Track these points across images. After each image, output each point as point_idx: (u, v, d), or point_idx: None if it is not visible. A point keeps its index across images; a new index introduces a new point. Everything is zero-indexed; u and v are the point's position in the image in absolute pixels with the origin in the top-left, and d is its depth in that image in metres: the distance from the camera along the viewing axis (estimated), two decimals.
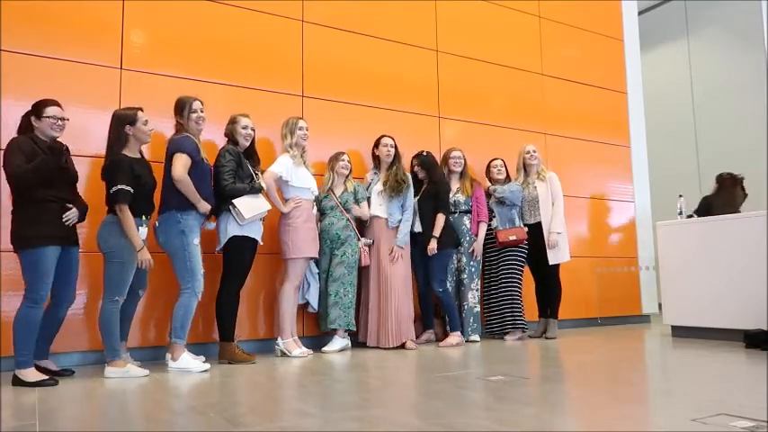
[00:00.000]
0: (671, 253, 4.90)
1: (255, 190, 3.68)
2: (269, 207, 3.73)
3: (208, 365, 3.37)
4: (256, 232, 3.71)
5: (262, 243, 3.81)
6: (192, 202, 3.39)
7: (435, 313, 4.72)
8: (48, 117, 3.03)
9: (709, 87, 8.59)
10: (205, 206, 3.43)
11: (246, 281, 3.82)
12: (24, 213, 2.95)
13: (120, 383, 2.97)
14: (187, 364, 3.32)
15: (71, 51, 3.72)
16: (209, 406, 2.40)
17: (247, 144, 3.82)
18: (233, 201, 3.57)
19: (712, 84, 8.56)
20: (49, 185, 2.99)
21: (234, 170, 3.64)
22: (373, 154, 4.62)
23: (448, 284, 4.58)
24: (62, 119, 3.07)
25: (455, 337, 4.40)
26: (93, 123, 3.67)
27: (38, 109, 3.04)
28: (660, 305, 5.50)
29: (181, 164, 3.36)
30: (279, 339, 3.92)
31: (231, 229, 3.62)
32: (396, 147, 4.51)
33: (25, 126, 3.07)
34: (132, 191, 3.11)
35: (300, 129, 4.05)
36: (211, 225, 3.68)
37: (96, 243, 3.22)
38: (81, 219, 3.18)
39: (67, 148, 3.20)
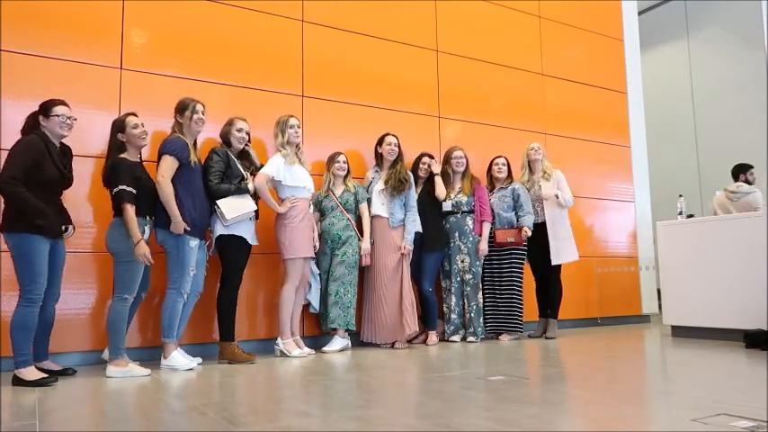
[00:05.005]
0: (671, 253, 4.90)
1: (242, 191, 3.66)
2: (254, 207, 3.70)
3: (194, 364, 3.41)
4: (245, 231, 3.69)
5: (256, 243, 3.79)
6: (170, 214, 3.35)
7: (439, 314, 4.73)
8: (56, 116, 3.06)
9: (710, 87, 8.59)
10: (179, 226, 3.36)
11: (245, 281, 3.82)
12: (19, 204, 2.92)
13: (121, 383, 2.97)
14: (175, 362, 3.35)
15: (71, 51, 3.72)
16: (209, 406, 2.40)
17: (240, 147, 3.81)
18: (217, 201, 3.58)
19: (712, 84, 8.56)
20: (45, 188, 3.01)
21: (221, 171, 3.64)
22: (376, 152, 4.62)
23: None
24: (70, 118, 3.11)
25: (434, 336, 4.51)
26: (93, 123, 3.67)
27: (46, 108, 3.06)
28: (660, 305, 5.50)
29: (165, 167, 3.36)
30: (279, 340, 3.92)
31: (217, 229, 3.64)
32: (399, 146, 4.51)
33: (31, 126, 3.07)
34: (135, 192, 3.17)
35: (291, 127, 4.01)
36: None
37: (105, 244, 3.25)
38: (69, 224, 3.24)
39: (70, 149, 3.22)
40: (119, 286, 3.20)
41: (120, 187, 3.14)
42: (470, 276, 4.66)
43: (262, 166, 3.90)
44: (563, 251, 4.85)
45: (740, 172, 5.96)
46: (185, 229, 3.38)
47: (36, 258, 2.92)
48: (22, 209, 2.88)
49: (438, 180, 4.66)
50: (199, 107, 3.54)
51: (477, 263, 4.68)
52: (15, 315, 2.91)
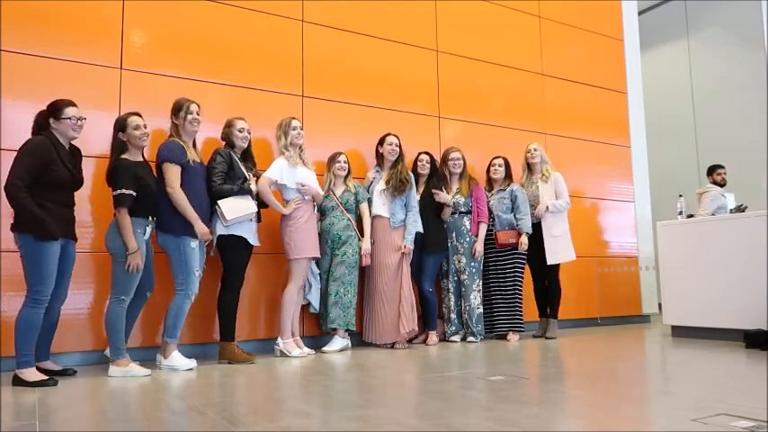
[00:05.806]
0: (671, 253, 4.90)
1: (244, 191, 3.66)
2: (255, 209, 3.70)
3: (193, 364, 3.41)
4: (246, 232, 3.69)
5: (258, 243, 3.79)
6: (189, 221, 3.38)
7: (439, 314, 4.73)
8: (67, 118, 3.04)
9: (710, 87, 8.59)
10: (202, 231, 3.41)
11: (246, 281, 3.82)
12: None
13: (121, 383, 2.97)
14: (175, 363, 3.36)
15: (71, 51, 3.72)
16: (209, 406, 2.40)
17: (244, 146, 3.82)
18: (218, 202, 3.58)
19: (712, 84, 8.55)
20: (56, 189, 3.00)
21: (224, 172, 3.65)
22: (377, 152, 4.62)
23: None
24: (80, 119, 3.10)
25: (434, 336, 4.52)
26: (93, 124, 3.65)
27: (55, 110, 3.04)
28: (660, 305, 5.50)
29: (172, 176, 3.37)
30: (279, 339, 3.92)
31: (218, 229, 3.64)
32: (400, 146, 4.51)
33: (40, 125, 3.05)
34: (135, 194, 3.16)
35: (294, 129, 4.02)
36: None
37: (104, 244, 3.25)
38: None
39: (80, 151, 3.21)
40: (116, 287, 3.18)
41: (120, 191, 3.13)
42: (466, 277, 4.66)
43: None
44: (558, 251, 4.84)
45: (709, 173, 6.04)
46: (191, 232, 3.38)
47: (44, 260, 2.90)
48: (22, 214, 2.88)
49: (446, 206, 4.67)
50: (193, 107, 3.54)
51: (473, 263, 4.67)
52: (20, 315, 2.90)
